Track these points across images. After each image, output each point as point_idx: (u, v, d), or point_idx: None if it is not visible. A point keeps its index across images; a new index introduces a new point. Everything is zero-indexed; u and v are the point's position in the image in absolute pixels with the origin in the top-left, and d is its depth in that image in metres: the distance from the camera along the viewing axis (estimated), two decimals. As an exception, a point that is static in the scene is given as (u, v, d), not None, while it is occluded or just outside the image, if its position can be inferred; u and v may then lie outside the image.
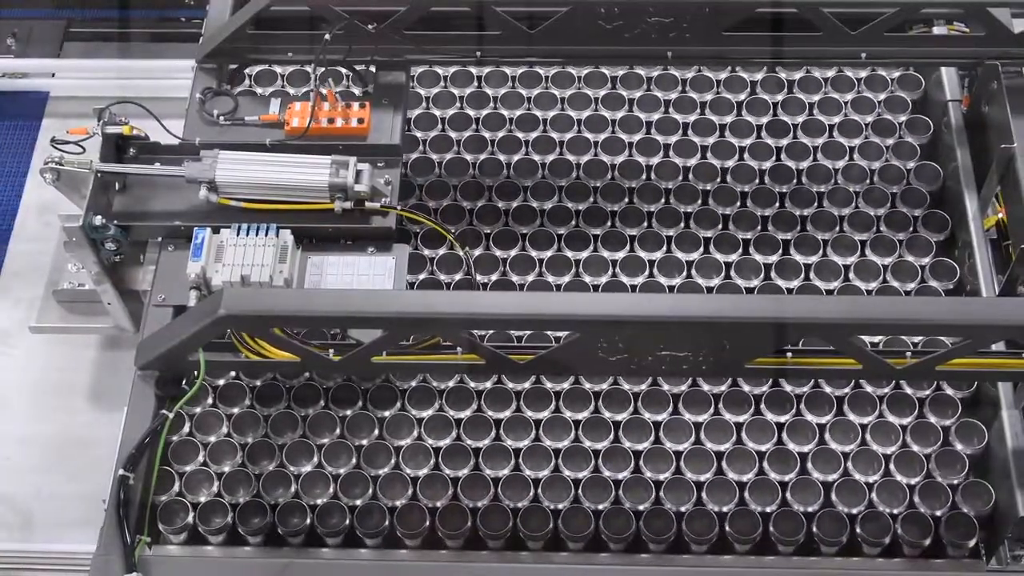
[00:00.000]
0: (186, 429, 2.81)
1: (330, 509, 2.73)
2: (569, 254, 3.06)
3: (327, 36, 2.94)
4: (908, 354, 2.67)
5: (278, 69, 3.27)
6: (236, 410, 2.83)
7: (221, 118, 3.00)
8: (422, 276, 3.02)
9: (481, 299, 2.69)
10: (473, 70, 3.31)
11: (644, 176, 3.19)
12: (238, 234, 2.78)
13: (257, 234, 2.78)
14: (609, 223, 3.11)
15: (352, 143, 2.97)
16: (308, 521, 2.71)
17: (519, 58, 3.17)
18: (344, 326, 2.63)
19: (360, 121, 2.98)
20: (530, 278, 3.04)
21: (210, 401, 2.84)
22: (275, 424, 2.82)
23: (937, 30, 3.26)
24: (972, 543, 2.71)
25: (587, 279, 3.03)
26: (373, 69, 3.12)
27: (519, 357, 2.64)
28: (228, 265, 2.73)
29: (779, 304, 2.61)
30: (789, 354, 2.66)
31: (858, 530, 2.72)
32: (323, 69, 2.99)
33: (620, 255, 3.07)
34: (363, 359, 2.60)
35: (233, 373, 2.85)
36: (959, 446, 2.81)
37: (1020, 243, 2.89)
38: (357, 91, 3.12)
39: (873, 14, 3.03)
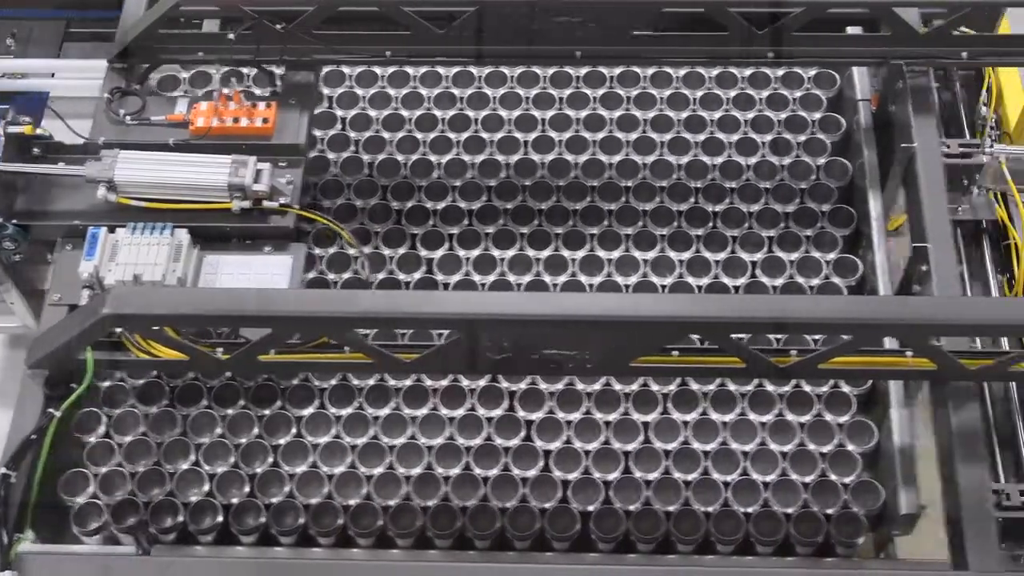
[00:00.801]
0: (102, 430, 2.84)
1: (246, 507, 2.76)
2: (496, 253, 3.09)
3: (231, 35, 2.96)
4: (793, 352, 2.67)
5: (185, 70, 3.28)
6: (154, 409, 2.86)
7: (128, 118, 3.03)
8: (331, 276, 3.05)
9: (360, 298, 2.71)
10: (378, 70, 3.32)
11: (538, 173, 3.21)
12: (132, 233, 2.81)
13: (152, 233, 2.81)
14: (536, 221, 3.14)
15: (256, 143, 2.99)
16: (221, 520, 2.75)
17: (428, 57, 3.17)
18: (223, 325, 2.66)
19: (265, 121, 3.00)
20: (455, 278, 3.07)
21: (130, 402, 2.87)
22: (194, 424, 2.84)
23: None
24: (860, 541, 2.71)
25: (511, 278, 3.06)
26: (282, 70, 3.13)
27: (406, 355, 2.66)
28: (121, 264, 2.77)
29: (656, 303, 2.62)
30: (675, 352, 2.66)
31: (751, 529, 2.73)
32: (227, 68, 3.01)
33: (545, 253, 3.10)
34: (250, 358, 2.63)
35: (155, 373, 2.87)
36: (851, 446, 2.81)
37: (917, 242, 2.88)
38: (259, 91, 3.13)
39: (780, 13, 3.02)
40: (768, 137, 3.25)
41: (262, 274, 2.82)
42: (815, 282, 3.04)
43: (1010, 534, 2.65)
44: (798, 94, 3.32)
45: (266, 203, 2.89)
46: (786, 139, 3.24)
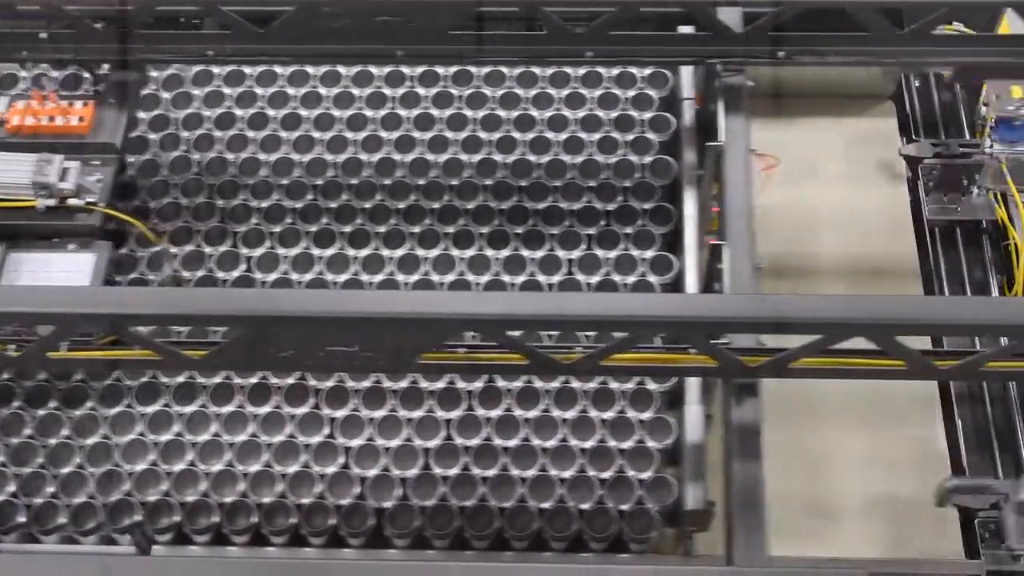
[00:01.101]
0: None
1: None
2: (315, 252, 3.13)
3: (43, 34, 2.98)
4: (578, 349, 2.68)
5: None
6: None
7: (-59, 118, 3.07)
8: (152, 276, 3.08)
9: (135, 296, 2.73)
10: (215, 70, 3.35)
11: (364, 173, 3.24)
12: (-71, 230, 2.84)
13: (-51, 231, 2.84)
14: (359, 220, 3.17)
15: (71, 141, 3.02)
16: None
17: (251, 56, 3.19)
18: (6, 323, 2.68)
19: (80, 120, 3.02)
20: (272, 276, 3.10)
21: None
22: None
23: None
24: (652, 536, 2.73)
25: (329, 276, 3.10)
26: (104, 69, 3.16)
27: (194, 353, 2.68)
28: (-71, 262, 2.80)
29: (430, 301, 2.64)
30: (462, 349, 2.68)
31: (544, 525, 2.75)
32: (41, 67, 3.03)
33: (364, 252, 3.13)
34: (39, 355, 2.65)
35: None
36: (650, 442, 2.83)
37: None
38: (79, 90, 3.16)
39: (597, 12, 3.03)
40: (596, 136, 3.26)
41: (64, 272, 2.84)
42: (630, 280, 3.06)
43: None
44: (631, 93, 3.33)
45: (72, 201, 2.91)
46: (614, 138, 3.25)
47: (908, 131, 3.33)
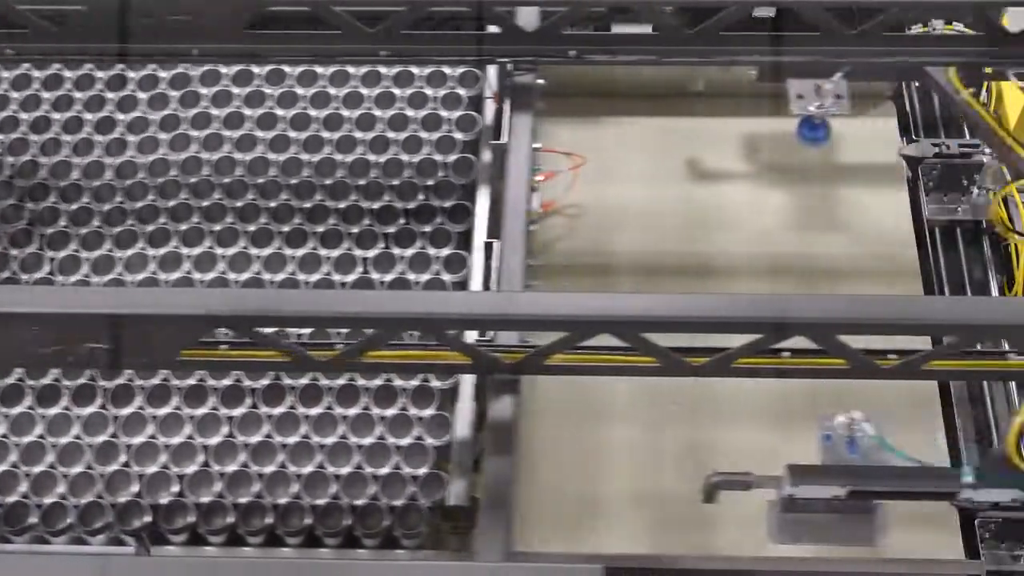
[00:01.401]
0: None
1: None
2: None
3: None
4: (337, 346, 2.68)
5: None
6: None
7: None
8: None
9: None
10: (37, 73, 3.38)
11: (171, 173, 3.25)
12: None
13: None
14: (162, 219, 3.18)
15: None
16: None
17: (46, 56, 3.20)
18: None
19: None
20: (73, 278, 3.12)
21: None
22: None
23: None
24: (421, 531, 2.74)
25: (128, 277, 3.12)
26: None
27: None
28: None
29: (174, 298, 2.64)
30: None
31: (316, 522, 2.75)
32: None
33: (161, 251, 3.15)
34: None
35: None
36: (428, 439, 2.84)
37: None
38: None
39: (386, 12, 3.04)
40: (403, 135, 3.27)
41: None
42: (424, 278, 3.07)
43: (1010, 534, 2.72)
44: (441, 93, 3.34)
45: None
46: (419, 137, 3.26)
47: (908, 131, 3.31)
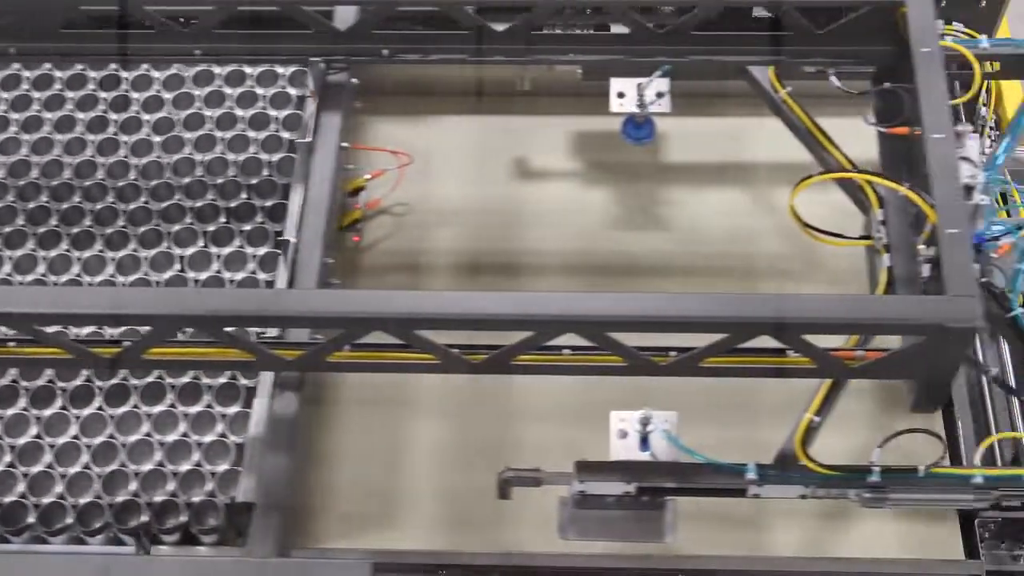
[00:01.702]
0: None
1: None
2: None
3: None
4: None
5: None
6: None
7: None
8: None
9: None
10: None
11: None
12: None
13: None
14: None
15: None
16: None
17: None
18: None
19: None
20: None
21: None
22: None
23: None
24: (216, 528, 2.75)
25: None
26: None
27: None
28: None
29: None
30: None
31: (112, 520, 2.76)
32: None
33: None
34: None
35: None
36: (232, 436, 2.85)
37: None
38: None
39: (198, 12, 3.05)
40: (229, 134, 3.28)
41: None
42: (239, 276, 3.08)
43: (1010, 534, 2.73)
44: (271, 92, 3.35)
45: None
46: (245, 136, 3.27)
47: None
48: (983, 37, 3.12)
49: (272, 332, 2.78)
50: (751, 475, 2.64)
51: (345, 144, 3.01)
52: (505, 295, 2.62)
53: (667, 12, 3.03)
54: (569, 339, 2.48)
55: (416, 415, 2.99)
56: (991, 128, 3.28)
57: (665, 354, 2.55)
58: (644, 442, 2.71)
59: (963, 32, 3.22)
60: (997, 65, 3.09)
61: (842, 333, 2.48)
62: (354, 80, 3.09)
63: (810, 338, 2.46)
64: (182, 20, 3.06)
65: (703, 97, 3.35)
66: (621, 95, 3.19)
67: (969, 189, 2.62)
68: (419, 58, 3.06)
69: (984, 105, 3.29)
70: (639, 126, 3.23)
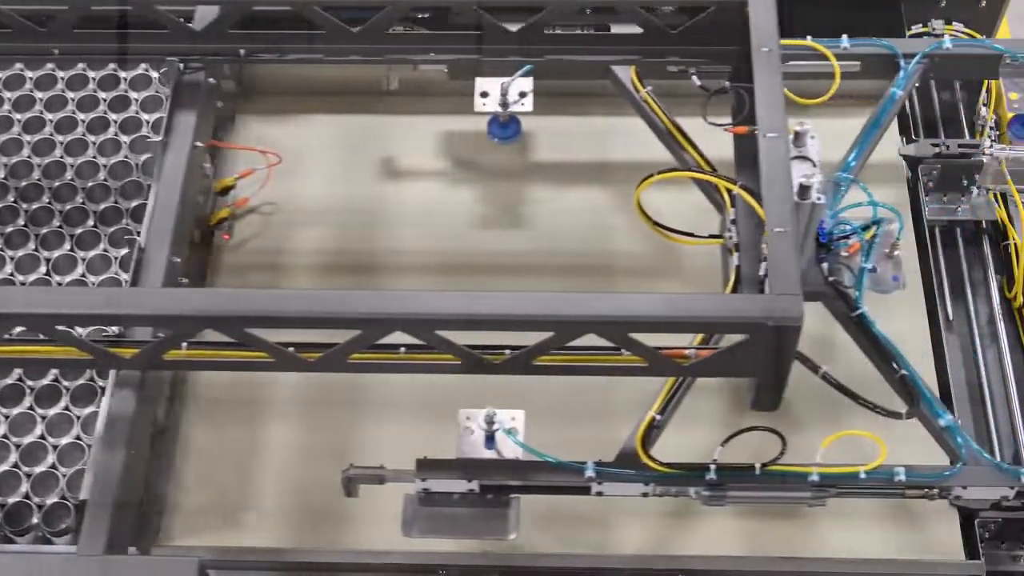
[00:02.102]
0: None
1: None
2: None
3: None
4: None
5: None
6: None
7: None
8: None
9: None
10: None
11: None
12: None
13: None
14: None
15: None
16: None
17: None
18: None
19: None
20: None
21: None
22: None
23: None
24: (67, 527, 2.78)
25: None
26: None
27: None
28: None
29: None
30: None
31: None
32: None
33: None
34: None
35: None
36: (85, 437, 2.87)
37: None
38: None
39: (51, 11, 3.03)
40: (101, 137, 3.30)
41: None
42: (101, 278, 3.10)
43: (1010, 534, 2.75)
44: (144, 95, 3.37)
45: None
46: (115, 140, 3.29)
47: (908, 131, 3.29)
48: (845, 37, 3.11)
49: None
50: (590, 473, 2.66)
51: (199, 143, 3.01)
52: (333, 293, 2.64)
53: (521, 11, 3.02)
54: (408, 337, 2.49)
55: (269, 413, 3.00)
56: (991, 128, 3.28)
57: (500, 352, 2.55)
58: (490, 440, 2.73)
59: (963, 32, 3.28)
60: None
61: (666, 331, 2.49)
62: (211, 80, 3.09)
63: (649, 337, 2.47)
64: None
65: (572, 96, 3.34)
66: (484, 95, 3.20)
67: (806, 188, 2.62)
68: (276, 58, 3.07)
69: (984, 105, 3.30)
70: (504, 125, 3.25)
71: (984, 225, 3.23)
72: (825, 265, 2.84)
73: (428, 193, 3.30)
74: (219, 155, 3.31)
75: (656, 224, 2.85)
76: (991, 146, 3.15)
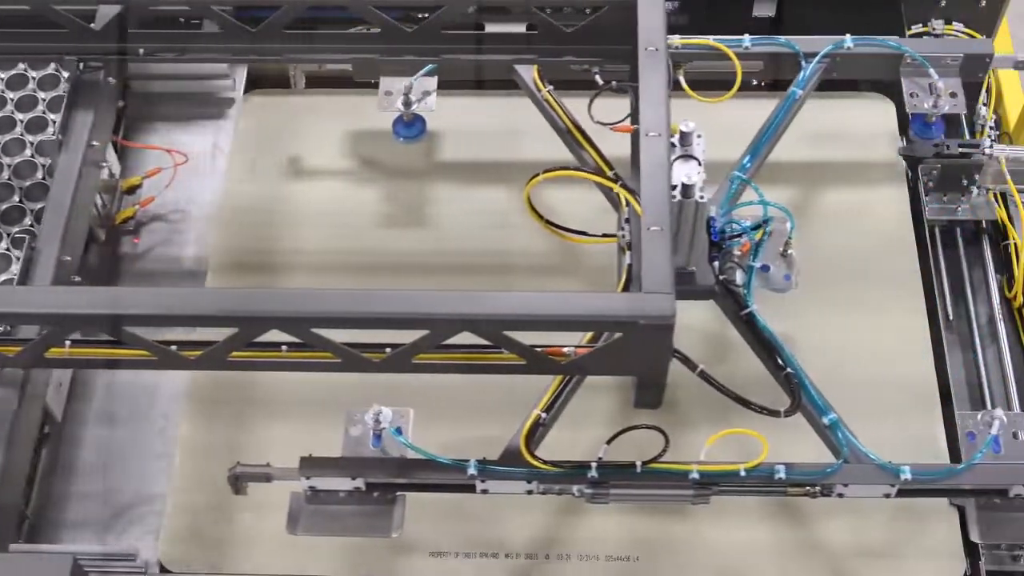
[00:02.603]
0: None
1: None
2: None
3: None
4: None
5: None
6: None
7: None
8: None
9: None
10: None
11: None
12: None
13: None
14: None
15: None
16: None
17: None
18: None
19: None
20: None
21: None
22: None
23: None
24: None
25: None
26: None
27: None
28: None
29: None
30: None
31: None
32: None
33: None
34: None
35: None
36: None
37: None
38: None
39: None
40: (6, 137, 3.30)
41: None
42: (4, 278, 3.09)
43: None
44: (51, 95, 3.36)
45: None
46: (20, 139, 3.29)
47: (908, 131, 3.22)
48: (747, 35, 3.12)
49: (0, 327, 2.78)
50: (472, 471, 2.67)
51: (96, 143, 3.02)
52: (207, 291, 2.67)
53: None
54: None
55: (163, 411, 3.00)
56: (991, 128, 3.30)
57: (381, 350, 2.55)
58: (377, 438, 2.74)
59: (963, 32, 3.29)
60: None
61: (539, 329, 2.50)
62: (111, 79, 3.09)
63: (526, 335, 2.49)
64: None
65: (479, 93, 3.36)
66: (388, 93, 3.21)
67: (688, 187, 2.63)
68: (175, 56, 3.08)
69: (984, 105, 3.31)
70: (409, 125, 3.26)
71: (984, 225, 3.24)
72: (717, 264, 2.84)
73: (333, 192, 3.31)
74: (131, 155, 3.33)
75: (549, 223, 2.85)
76: (991, 146, 3.16)
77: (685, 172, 2.64)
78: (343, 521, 2.72)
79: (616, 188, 2.69)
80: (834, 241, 3.16)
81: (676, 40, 3.11)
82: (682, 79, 3.09)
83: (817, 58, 3.10)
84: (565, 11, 3.03)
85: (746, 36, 3.11)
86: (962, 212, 3.23)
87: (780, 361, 2.74)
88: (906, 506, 2.80)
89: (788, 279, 2.85)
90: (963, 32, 3.37)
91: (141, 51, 3.07)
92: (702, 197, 2.63)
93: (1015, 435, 2.71)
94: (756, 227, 2.83)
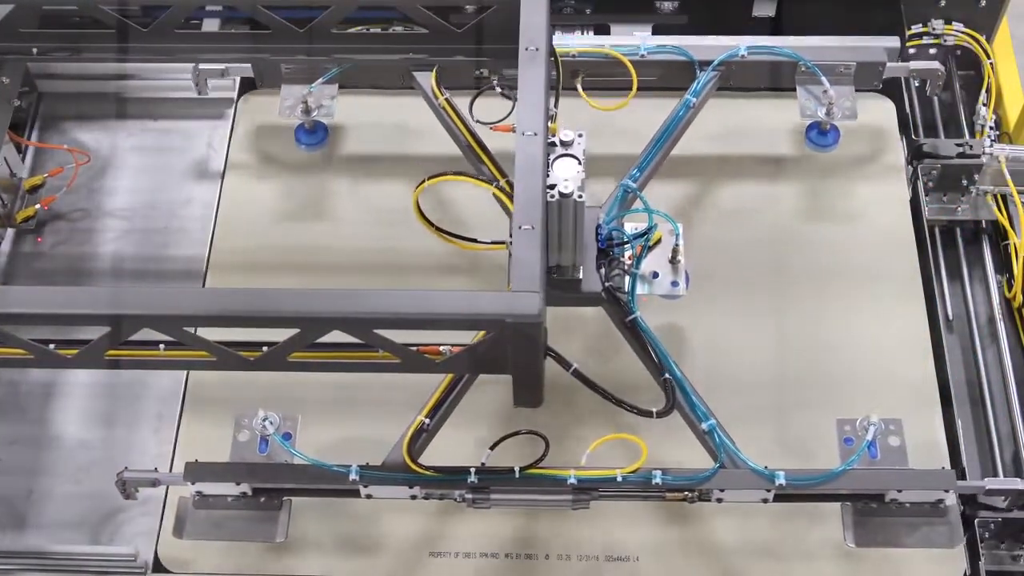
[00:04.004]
0: None
1: None
2: None
3: None
4: None
5: None
6: None
7: None
8: None
9: None
10: None
11: None
12: None
13: None
14: None
15: None
16: None
17: None
18: None
19: None
20: None
21: None
22: None
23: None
24: None
25: None
26: None
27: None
28: None
29: None
30: None
31: None
32: None
33: None
34: None
35: None
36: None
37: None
38: None
39: None
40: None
41: None
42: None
43: (1010, 534, 2.76)
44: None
45: None
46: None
47: (908, 131, 3.27)
48: (643, 43, 3.13)
49: None
50: (353, 476, 2.66)
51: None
52: (82, 291, 2.66)
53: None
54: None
55: (61, 411, 3.02)
56: (991, 128, 3.30)
57: (257, 349, 2.55)
58: (264, 443, 2.74)
59: (962, 32, 3.29)
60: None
61: (410, 328, 2.49)
62: (5, 79, 3.09)
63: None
64: None
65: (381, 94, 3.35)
66: (287, 101, 3.22)
67: (567, 187, 2.63)
68: (68, 56, 3.08)
69: (984, 105, 3.32)
70: (311, 132, 3.27)
71: (984, 225, 3.25)
72: (603, 271, 2.84)
73: (233, 192, 3.29)
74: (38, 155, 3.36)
75: (440, 230, 2.85)
76: (991, 146, 3.16)
77: (566, 172, 2.64)
78: (229, 526, 2.72)
79: (492, 190, 2.69)
80: (834, 241, 3.15)
81: (573, 48, 3.11)
82: (579, 86, 3.09)
83: (712, 66, 3.11)
84: (466, 10, 3.01)
85: (642, 44, 3.12)
86: (962, 212, 3.24)
87: (662, 367, 2.74)
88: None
89: (676, 285, 2.85)
90: (963, 32, 3.37)
91: (35, 50, 3.06)
92: (580, 196, 2.63)
93: (891, 441, 2.71)
94: (639, 235, 2.83)
